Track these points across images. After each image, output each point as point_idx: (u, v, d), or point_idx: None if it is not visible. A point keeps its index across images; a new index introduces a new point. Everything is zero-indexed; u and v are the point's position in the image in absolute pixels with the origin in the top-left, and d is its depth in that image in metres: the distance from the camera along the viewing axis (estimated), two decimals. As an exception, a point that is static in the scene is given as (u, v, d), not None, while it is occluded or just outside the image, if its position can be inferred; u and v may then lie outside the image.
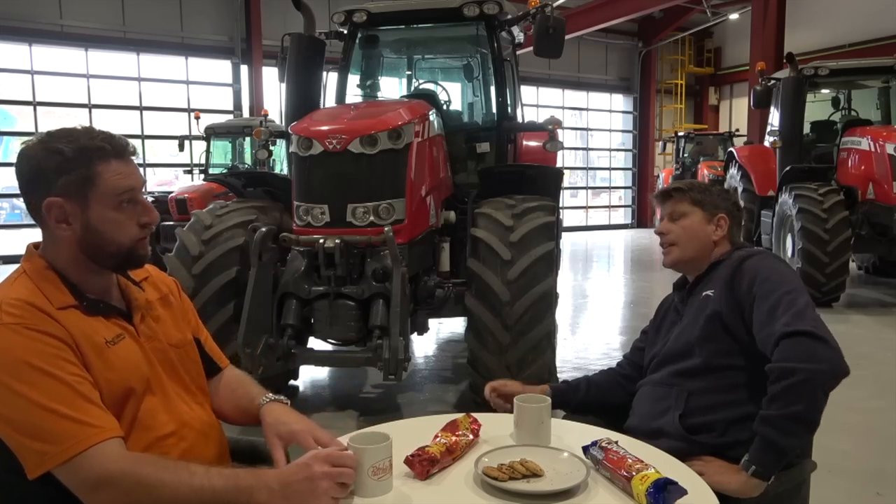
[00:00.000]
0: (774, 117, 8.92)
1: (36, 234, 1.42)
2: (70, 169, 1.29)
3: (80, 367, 1.25)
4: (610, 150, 21.31)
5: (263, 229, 3.48)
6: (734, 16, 18.23)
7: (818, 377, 1.53)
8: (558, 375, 4.02)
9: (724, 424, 1.71)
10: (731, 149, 10.59)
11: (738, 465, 1.60)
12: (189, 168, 12.30)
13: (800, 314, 1.60)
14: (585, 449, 1.46)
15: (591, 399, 2.02)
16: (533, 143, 5.20)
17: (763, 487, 1.57)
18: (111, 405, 1.28)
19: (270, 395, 1.56)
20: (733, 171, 9.65)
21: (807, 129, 8.55)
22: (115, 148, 1.34)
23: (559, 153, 5.18)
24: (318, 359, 3.87)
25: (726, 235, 1.93)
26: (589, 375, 2.12)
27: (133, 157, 1.38)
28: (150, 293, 1.51)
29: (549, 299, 3.65)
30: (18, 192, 1.36)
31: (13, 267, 1.38)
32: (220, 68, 14.78)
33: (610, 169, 21.47)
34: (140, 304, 1.45)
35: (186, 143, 11.65)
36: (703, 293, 1.84)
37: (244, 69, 14.72)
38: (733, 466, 1.60)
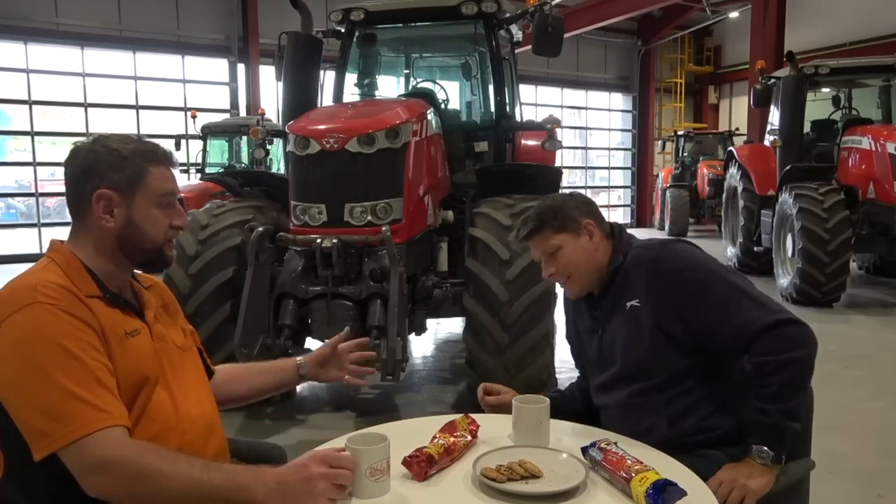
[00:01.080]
0: (774, 116, 8.92)
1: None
2: (124, 166, 1.41)
3: (103, 354, 1.30)
4: (609, 149, 21.28)
5: (260, 229, 3.47)
6: (734, 14, 18.19)
7: (811, 358, 1.64)
8: (556, 377, 4.01)
9: (708, 418, 1.73)
10: (731, 148, 10.59)
11: (742, 464, 1.60)
12: (185, 167, 12.28)
13: (758, 303, 1.66)
14: (584, 450, 1.45)
15: (587, 405, 2.00)
16: (531, 143, 5.19)
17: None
18: (125, 394, 1.32)
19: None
20: (733, 170, 9.65)
21: (807, 128, 8.54)
22: (163, 155, 1.48)
23: (558, 152, 5.16)
24: (315, 359, 3.85)
25: (600, 234, 1.87)
26: (575, 382, 2.11)
27: (173, 168, 1.50)
28: (156, 300, 1.58)
29: (548, 299, 3.64)
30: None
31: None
32: (217, 67, 14.73)
33: (609, 168, 21.44)
34: (151, 305, 1.52)
35: (183, 142, 11.62)
36: (628, 304, 1.79)
37: (241, 68, 14.68)
38: (744, 466, 1.60)
